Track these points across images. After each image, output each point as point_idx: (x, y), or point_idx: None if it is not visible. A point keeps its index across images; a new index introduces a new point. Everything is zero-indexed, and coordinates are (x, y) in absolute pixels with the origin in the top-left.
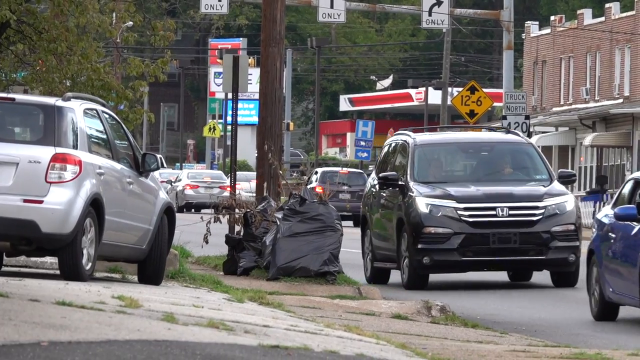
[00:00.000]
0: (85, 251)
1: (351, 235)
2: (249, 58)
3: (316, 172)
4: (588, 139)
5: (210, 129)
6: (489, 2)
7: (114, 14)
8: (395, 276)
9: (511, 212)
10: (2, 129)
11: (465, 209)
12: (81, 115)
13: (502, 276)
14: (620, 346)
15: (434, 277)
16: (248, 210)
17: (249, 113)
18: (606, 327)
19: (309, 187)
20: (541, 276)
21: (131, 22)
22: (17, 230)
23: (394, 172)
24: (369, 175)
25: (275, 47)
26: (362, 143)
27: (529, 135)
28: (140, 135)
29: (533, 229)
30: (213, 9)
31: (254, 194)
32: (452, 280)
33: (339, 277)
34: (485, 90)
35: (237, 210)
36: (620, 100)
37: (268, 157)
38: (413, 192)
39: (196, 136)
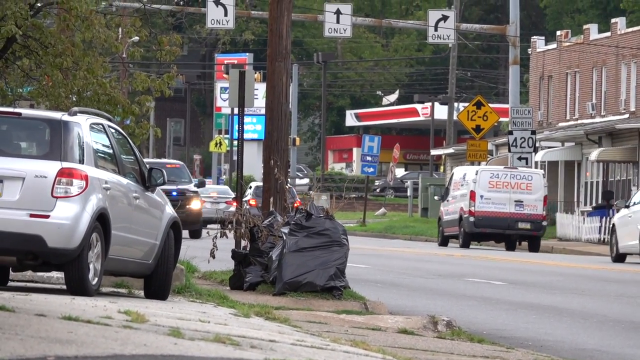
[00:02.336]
0: (91, 266)
1: (356, 250)
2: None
3: (250, 187)
4: (594, 154)
5: (216, 144)
6: (495, 17)
7: (120, 29)
8: None
9: None
10: (8, 143)
11: None
12: (87, 130)
13: (507, 291)
14: None
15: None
16: (254, 225)
17: (254, 128)
18: (612, 342)
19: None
20: (541, 290)
21: (137, 37)
22: (23, 245)
23: None
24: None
25: (281, 62)
26: (369, 158)
27: (535, 150)
28: (147, 150)
29: None
30: (219, 24)
31: None
32: (458, 294)
33: (345, 292)
34: (491, 105)
35: (243, 225)
36: (627, 115)
37: (274, 172)
38: None
39: (202, 151)
